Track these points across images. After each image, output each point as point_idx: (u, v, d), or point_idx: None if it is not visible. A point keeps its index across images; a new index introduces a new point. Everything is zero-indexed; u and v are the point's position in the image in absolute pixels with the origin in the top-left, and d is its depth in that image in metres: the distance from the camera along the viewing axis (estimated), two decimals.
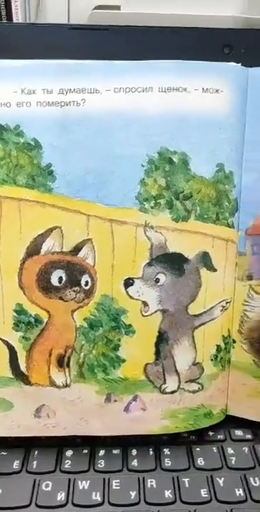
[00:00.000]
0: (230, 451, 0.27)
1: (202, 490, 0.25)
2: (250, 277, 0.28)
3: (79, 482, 0.25)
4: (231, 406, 0.29)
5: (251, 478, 0.25)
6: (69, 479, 0.25)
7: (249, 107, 0.26)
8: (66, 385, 0.27)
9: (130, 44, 0.28)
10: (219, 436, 0.28)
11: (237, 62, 0.27)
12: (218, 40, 0.29)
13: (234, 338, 0.28)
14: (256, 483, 0.25)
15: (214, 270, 0.26)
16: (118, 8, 0.29)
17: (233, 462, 0.26)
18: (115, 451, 0.27)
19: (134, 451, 0.27)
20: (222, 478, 0.25)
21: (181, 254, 0.26)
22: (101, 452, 0.27)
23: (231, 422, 0.29)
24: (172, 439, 0.28)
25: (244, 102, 0.26)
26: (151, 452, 0.27)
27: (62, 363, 0.26)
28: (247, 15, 0.28)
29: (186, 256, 0.26)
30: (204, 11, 0.29)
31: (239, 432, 0.28)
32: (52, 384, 0.26)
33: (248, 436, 0.28)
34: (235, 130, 0.26)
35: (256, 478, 0.26)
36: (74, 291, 0.26)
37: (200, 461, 0.27)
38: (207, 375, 0.27)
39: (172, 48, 0.28)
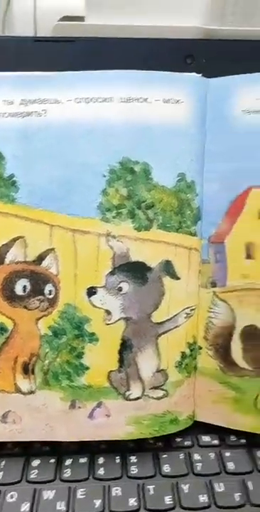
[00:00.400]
0: (197, 457, 0.27)
1: (166, 497, 0.25)
2: (214, 284, 0.28)
3: (45, 492, 0.25)
4: (199, 412, 0.29)
5: (216, 484, 0.26)
6: (35, 489, 0.25)
7: (209, 117, 0.26)
8: (31, 392, 0.27)
9: (94, 55, 0.29)
10: (186, 443, 0.28)
11: (199, 72, 0.27)
12: (180, 51, 0.29)
13: (199, 345, 0.28)
14: (220, 488, 0.26)
15: (177, 278, 0.27)
16: (82, 19, 0.29)
17: (199, 468, 0.27)
18: (82, 460, 0.27)
19: (101, 460, 0.27)
20: (187, 485, 0.26)
21: (144, 262, 0.26)
22: (68, 461, 0.27)
23: (199, 427, 0.29)
24: (140, 447, 0.28)
25: (204, 112, 0.26)
26: (118, 460, 0.27)
27: (27, 370, 0.27)
28: (209, 26, 0.29)
29: (149, 265, 0.26)
30: (168, 22, 0.30)
31: (206, 438, 0.29)
32: (18, 390, 0.27)
33: (215, 442, 0.28)
34: (196, 140, 0.26)
35: (221, 484, 0.26)
36: (38, 299, 0.26)
37: (166, 468, 0.27)
38: (172, 382, 0.27)
39: (135, 59, 0.28)
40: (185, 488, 0.25)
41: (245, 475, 0.26)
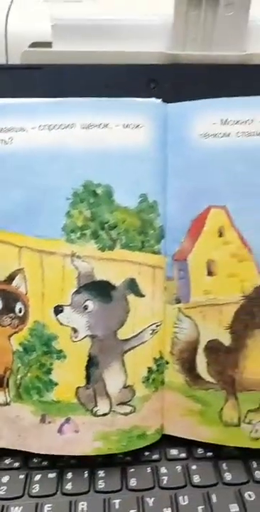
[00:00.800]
0: (163, 470, 0.28)
1: (131, 511, 0.25)
2: (178, 300, 0.29)
3: (12, 508, 0.26)
4: (167, 426, 0.30)
5: (181, 497, 0.26)
6: (3, 506, 0.26)
7: (170, 140, 0.27)
8: (6, 404, 0.28)
9: (60, 82, 0.30)
10: (154, 456, 0.29)
11: (163, 97, 0.28)
12: (144, 76, 0.30)
13: (166, 360, 0.29)
14: (184, 501, 0.26)
15: (142, 296, 0.28)
16: (49, 45, 0.30)
17: (165, 482, 0.27)
18: (50, 475, 0.28)
19: (69, 474, 0.28)
20: (153, 499, 0.26)
21: (108, 281, 0.27)
22: (37, 477, 0.27)
23: (169, 441, 0.30)
24: (108, 461, 0.28)
25: (164, 136, 0.27)
26: (86, 475, 0.28)
27: (2, 382, 0.28)
28: (172, 51, 0.30)
29: (113, 283, 0.27)
30: (132, 47, 0.31)
31: (174, 451, 0.29)
32: None
33: (183, 455, 0.29)
34: (157, 162, 0.27)
35: (186, 497, 0.26)
36: (9, 317, 0.27)
37: (133, 482, 0.27)
38: (139, 397, 0.28)
39: (100, 84, 0.30)
40: (150, 501, 0.26)
41: (210, 488, 0.27)
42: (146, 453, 0.29)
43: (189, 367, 0.29)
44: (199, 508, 0.26)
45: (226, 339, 0.28)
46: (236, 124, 0.26)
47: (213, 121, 0.26)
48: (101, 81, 0.30)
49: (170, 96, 0.28)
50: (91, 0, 0.34)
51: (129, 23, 0.31)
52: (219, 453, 0.29)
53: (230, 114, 0.26)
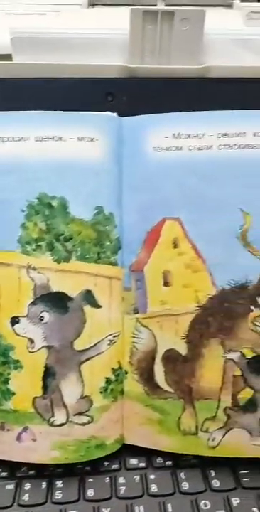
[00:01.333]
0: (121, 480, 0.28)
1: None
2: (136, 311, 0.29)
3: None
4: (127, 435, 0.30)
5: (137, 507, 0.26)
6: None
7: (125, 153, 0.28)
8: None
9: (18, 95, 0.30)
10: (113, 466, 0.29)
11: (120, 110, 0.29)
12: (101, 89, 0.31)
13: (125, 370, 0.29)
14: (140, 511, 0.27)
15: (98, 306, 0.28)
16: (9, 57, 0.31)
17: (122, 492, 0.27)
18: (9, 486, 0.28)
19: (27, 485, 0.28)
20: (108, 509, 0.26)
21: (64, 293, 0.27)
22: None
23: (129, 450, 0.30)
24: (67, 471, 0.28)
25: (119, 149, 0.28)
26: (44, 485, 0.28)
27: None
28: (129, 64, 0.30)
29: (69, 294, 0.27)
30: (91, 61, 0.31)
31: (133, 461, 0.29)
32: None
33: (142, 465, 0.29)
34: (112, 175, 0.28)
35: (141, 507, 0.26)
36: None
37: (90, 493, 0.27)
38: (97, 408, 0.28)
39: (58, 97, 0.30)
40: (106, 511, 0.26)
41: (166, 497, 0.27)
42: (106, 463, 0.29)
43: (147, 376, 0.29)
44: None
45: (182, 349, 0.28)
46: (188, 138, 0.27)
47: (165, 135, 0.27)
48: (60, 94, 0.30)
49: (128, 109, 0.29)
50: (54, 12, 0.35)
51: (89, 36, 0.32)
52: (178, 462, 0.29)
53: (182, 128, 0.27)
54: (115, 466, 0.29)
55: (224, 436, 0.28)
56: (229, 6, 0.36)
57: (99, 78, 0.30)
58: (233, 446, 0.28)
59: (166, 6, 0.36)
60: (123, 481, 0.28)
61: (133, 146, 0.28)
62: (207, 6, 0.35)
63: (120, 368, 0.29)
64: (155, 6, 0.34)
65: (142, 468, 0.29)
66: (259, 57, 0.31)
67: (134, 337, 0.29)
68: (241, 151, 0.26)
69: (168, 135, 0.27)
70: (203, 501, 0.27)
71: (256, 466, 0.28)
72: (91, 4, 0.36)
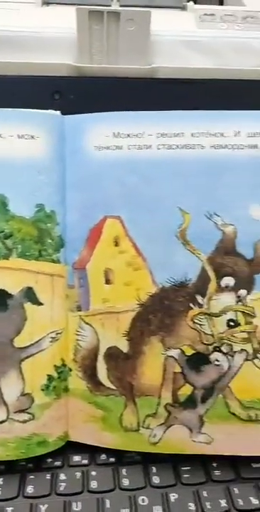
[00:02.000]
0: (62, 477, 0.28)
1: None
2: (79, 308, 0.29)
3: None
4: (72, 432, 0.30)
5: (74, 504, 0.27)
6: None
7: (67, 151, 0.28)
8: None
9: None
10: (56, 463, 0.29)
11: (66, 108, 0.29)
12: (49, 87, 0.31)
13: (70, 367, 0.29)
14: (77, 507, 0.26)
15: (40, 304, 0.28)
16: None
17: (61, 488, 0.27)
18: None
19: None
20: (46, 505, 0.26)
21: (4, 290, 0.27)
22: None
23: (73, 448, 0.30)
24: (10, 468, 0.28)
25: (62, 147, 0.28)
26: None
27: None
28: (78, 63, 0.31)
29: (10, 292, 0.27)
30: (41, 59, 0.31)
31: (77, 458, 0.29)
32: None
33: (85, 462, 0.29)
34: (54, 173, 0.28)
35: (79, 503, 0.27)
36: None
37: (30, 489, 0.27)
38: (39, 405, 0.28)
39: (5, 95, 0.30)
40: (43, 508, 0.26)
41: (105, 493, 0.27)
42: (49, 460, 0.29)
43: (90, 373, 0.29)
44: None
45: (124, 346, 0.28)
46: (128, 137, 0.27)
47: (106, 133, 0.27)
48: (6, 92, 0.30)
49: (75, 108, 0.29)
50: (7, 10, 0.35)
51: (39, 35, 0.32)
52: (121, 458, 0.29)
53: (122, 127, 0.27)
54: (58, 463, 0.29)
55: (164, 432, 0.28)
56: (183, 8, 0.36)
57: (47, 76, 0.30)
58: (174, 443, 0.28)
59: (121, 6, 0.36)
60: (64, 478, 0.28)
61: (75, 145, 0.28)
62: (162, 8, 0.36)
63: (63, 365, 0.29)
64: (109, 6, 0.34)
65: (85, 465, 0.29)
66: (207, 59, 0.32)
67: (78, 334, 0.29)
68: (179, 150, 0.27)
69: (109, 134, 0.27)
70: (141, 497, 0.27)
71: (196, 463, 0.29)
72: (45, 3, 0.36)
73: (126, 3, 0.36)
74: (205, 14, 0.36)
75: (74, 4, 0.37)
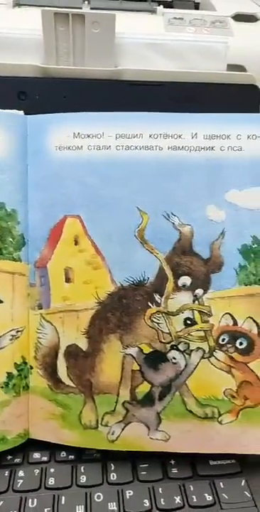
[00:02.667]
0: (21, 474, 0.28)
1: None
2: (40, 306, 0.29)
3: None
4: (32, 430, 0.30)
5: (30, 500, 0.27)
6: None
7: (30, 151, 0.28)
8: None
9: None
10: (16, 460, 0.29)
11: (32, 109, 0.29)
12: (14, 88, 0.31)
13: (31, 365, 0.30)
14: (33, 504, 0.27)
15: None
16: None
17: (19, 485, 0.27)
18: None
19: None
20: (1, 502, 0.26)
21: None
22: None
23: (34, 445, 0.30)
24: None
25: (24, 147, 0.28)
26: None
27: None
28: (44, 64, 0.31)
29: None
30: (8, 59, 0.32)
31: (37, 455, 0.30)
32: None
33: (45, 459, 0.29)
34: (16, 172, 0.28)
35: (35, 500, 0.27)
36: None
37: None
38: None
39: None
40: None
41: (62, 490, 0.27)
42: (9, 457, 0.29)
43: (51, 371, 0.29)
44: (46, 509, 0.26)
45: (83, 344, 0.29)
46: (88, 137, 0.27)
47: (67, 134, 0.27)
48: None
49: (40, 109, 0.29)
50: None
51: (8, 36, 0.32)
52: (80, 455, 0.30)
53: (82, 127, 0.27)
54: (17, 460, 0.29)
55: (123, 430, 0.29)
56: (154, 11, 0.37)
57: (13, 77, 0.31)
58: (132, 440, 0.29)
59: (91, 9, 0.37)
60: (22, 475, 0.28)
61: (37, 144, 0.28)
62: (133, 11, 0.36)
63: (24, 362, 0.29)
64: (77, 8, 0.34)
65: (44, 462, 0.29)
66: (172, 62, 0.32)
67: (39, 332, 0.29)
68: (138, 151, 0.27)
69: (69, 134, 0.28)
70: (97, 494, 0.27)
71: (155, 460, 0.29)
72: (17, 4, 0.36)
73: (98, 6, 0.37)
74: (174, 18, 0.36)
75: (45, 6, 0.37)
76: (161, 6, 0.37)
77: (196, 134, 0.27)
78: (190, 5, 0.46)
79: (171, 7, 0.43)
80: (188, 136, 0.27)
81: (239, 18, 0.37)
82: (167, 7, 0.41)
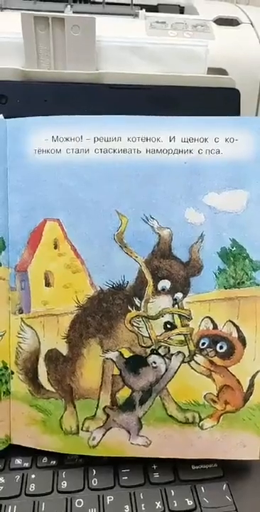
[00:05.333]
0: (1, 480, 0.28)
1: None
2: (21, 311, 0.29)
3: None
4: (14, 435, 0.30)
5: (10, 507, 0.26)
6: None
7: (9, 154, 0.28)
8: None
9: None
10: None
11: (12, 113, 0.29)
12: None
13: (12, 370, 0.29)
14: (12, 511, 0.26)
15: None
16: None
17: None
18: None
19: None
20: None
21: None
22: None
23: (16, 451, 0.30)
24: None
25: (3, 150, 0.28)
26: None
27: None
28: (24, 68, 0.31)
29: None
30: None
31: (18, 461, 0.29)
32: None
33: (26, 465, 0.29)
34: None
35: (14, 507, 0.27)
36: None
37: None
38: None
39: None
40: None
41: (42, 496, 0.27)
42: None
43: (32, 376, 0.29)
44: None
45: (63, 349, 0.28)
46: (66, 141, 0.27)
47: (45, 137, 0.27)
48: None
49: (20, 112, 0.29)
50: None
51: None
52: (62, 461, 0.29)
53: (60, 131, 0.27)
54: None
55: (103, 435, 0.28)
56: (136, 15, 0.37)
57: None
58: (113, 446, 0.28)
59: (74, 13, 0.37)
60: (3, 481, 0.28)
61: (16, 148, 0.28)
62: (115, 15, 0.36)
63: (5, 367, 0.29)
64: (58, 12, 0.34)
65: (25, 468, 0.29)
66: (153, 65, 0.32)
67: (19, 337, 0.29)
68: (116, 155, 0.27)
69: (48, 138, 0.27)
70: (78, 499, 0.27)
71: (137, 465, 0.29)
72: (1, 8, 0.36)
73: (80, 10, 0.37)
74: (157, 22, 0.36)
75: (29, 10, 0.37)
76: (144, 10, 0.37)
77: (174, 137, 0.27)
78: (175, 9, 0.46)
79: (157, 11, 0.43)
80: (166, 139, 0.27)
81: (221, 21, 0.37)
82: (152, 11, 0.41)
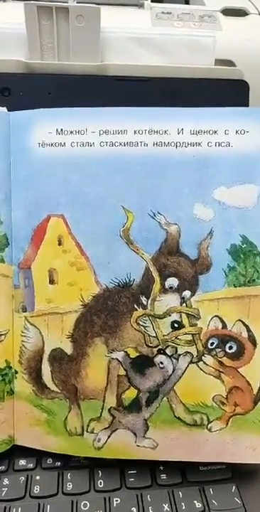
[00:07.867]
0: (5, 482, 0.28)
1: None
2: (24, 309, 0.28)
3: None
4: (18, 436, 0.29)
5: (14, 509, 0.26)
6: None
7: (12, 148, 0.27)
8: None
9: None
10: (1, 467, 0.28)
11: (16, 106, 0.28)
12: None
13: (16, 369, 0.29)
14: None
15: None
16: None
17: (3, 494, 0.27)
18: None
19: None
20: None
21: None
22: None
23: (20, 451, 0.29)
24: None
25: (6, 144, 0.27)
26: None
27: None
28: (28, 60, 0.30)
29: None
30: None
31: (23, 462, 0.29)
32: None
33: (31, 466, 0.29)
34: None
35: (19, 509, 0.26)
36: None
37: None
38: None
39: None
40: None
41: (47, 498, 0.27)
42: None
43: (36, 376, 0.28)
44: None
45: (68, 348, 0.28)
46: (71, 134, 0.26)
47: (49, 130, 0.27)
48: None
49: (24, 105, 0.28)
50: None
51: None
52: (67, 462, 0.29)
53: (65, 123, 0.26)
54: (2, 468, 0.28)
55: (109, 437, 0.28)
56: (141, 5, 0.36)
57: None
58: (118, 448, 0.28)
59: (78, 3, 0.36)
60: (7, 483, 0.28)
61: (20, 142, 0.27)
62: (120, 5, 0.35)
63: (9, 367, 0.29)
64: (62, 2, 0.33)
65: (30, 469, 0.28)
66: (159, 56, 0.31)
67: (23, 336, 0.28)
68: (122, 148, 0.26)
69: (52, 131, 0.27)
70: (83, 502, 0.27)
71: (143, 466, 0.28)
72: None
73: (85, 0, 0.36)
74: (162, 12, 0.35)
75: (32, 0, 0.37)
76: (149, 0, 0.36)
77: (182, 129, 0.26)
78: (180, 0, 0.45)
79: (162, 1, 0.42)
80: (174, 131, 0.26)
81: (228, 12, 0.36)
82: (158, 1, 0.40)
